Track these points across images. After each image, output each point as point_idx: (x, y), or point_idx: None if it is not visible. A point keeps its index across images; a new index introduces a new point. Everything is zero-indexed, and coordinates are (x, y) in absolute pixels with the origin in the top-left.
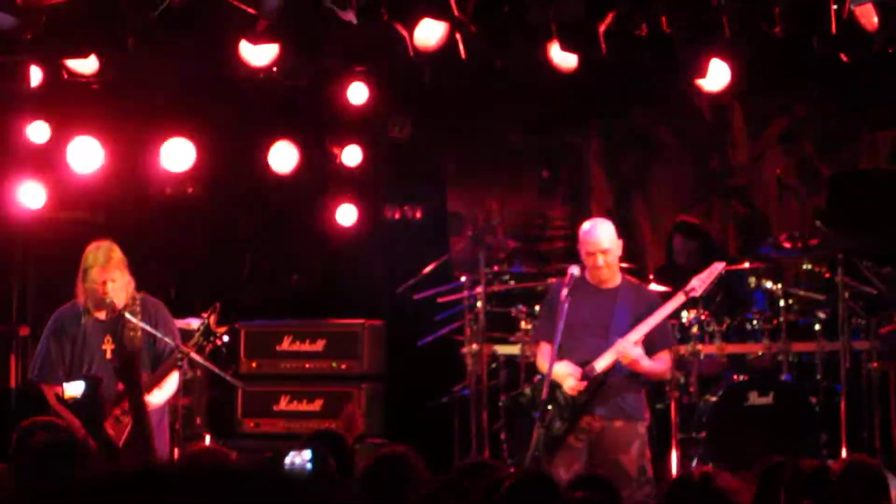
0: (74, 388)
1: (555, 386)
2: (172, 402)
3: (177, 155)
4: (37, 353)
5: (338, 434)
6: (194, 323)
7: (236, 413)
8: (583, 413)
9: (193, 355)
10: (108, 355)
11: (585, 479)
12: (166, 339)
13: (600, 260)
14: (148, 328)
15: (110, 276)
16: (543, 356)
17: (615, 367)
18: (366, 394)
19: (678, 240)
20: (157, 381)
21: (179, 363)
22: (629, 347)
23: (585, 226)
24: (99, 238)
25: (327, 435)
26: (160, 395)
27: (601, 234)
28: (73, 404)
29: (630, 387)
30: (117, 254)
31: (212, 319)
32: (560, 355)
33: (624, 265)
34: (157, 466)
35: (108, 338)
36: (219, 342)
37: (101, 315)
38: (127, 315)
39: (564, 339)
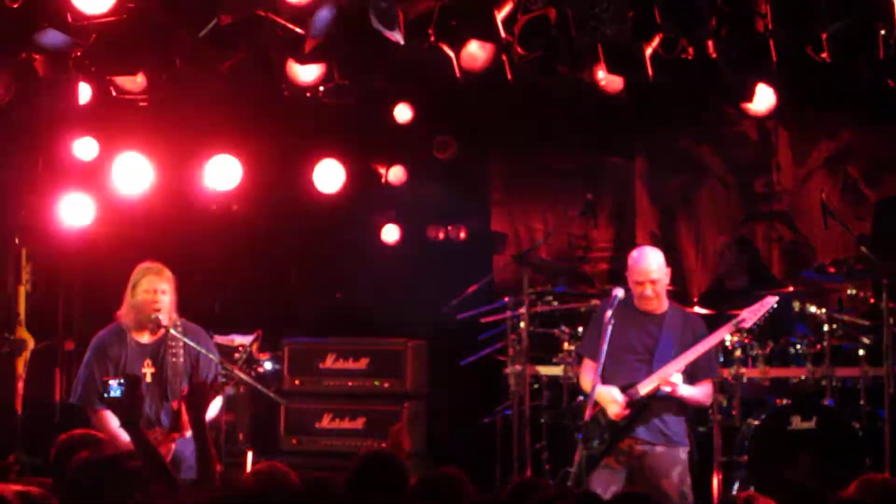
0: (115, 388)
1: (597, 407)
2: (215, 420)
3: (223, 172)
4: (78, 377)
5: (387, 453)
6: (237, 339)
7: (279, 430)
8: (624, 435)
9: (237, 371)
10: (149, 378)
11: (630, 499)
12: (211, 357)
13: (648, 290)
14: (192, 344)
15: (161, 287)
16: (587, 373)
17: (658, 392)
18: (408, 412)
19: (728, 253)
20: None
21: (223, 384)
22: (672, 374)
23: (634, 254)
24: (147, 257)
25: (378, 455)
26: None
27: (650, 262)
28: (113, 403)
29: (672, 411)
30: (168, 272)
31: (254, 347)
32: (603, 377)
33: (668, 288)
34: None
35: (149, 361)
36: (260, 369)
37: (144, 338)
38: (172, 331)
39: (608, 362)
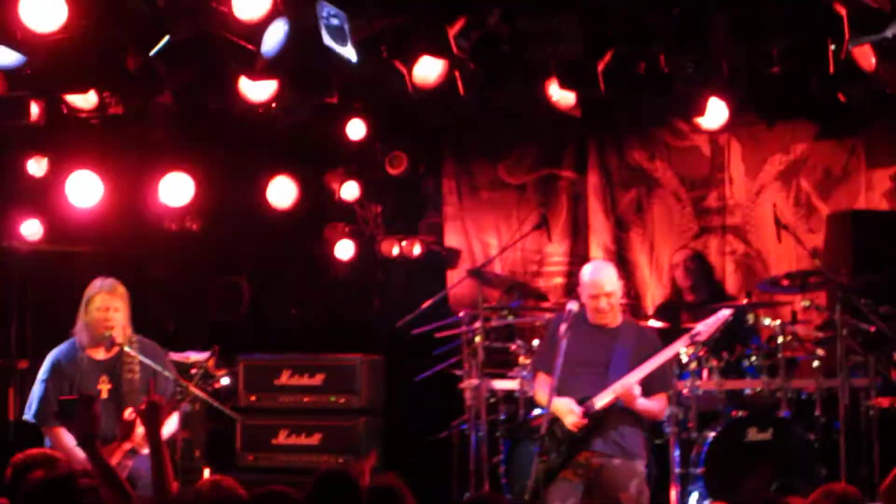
0: (71, 407)
1: (553, 420)
2: (171, 437)
3: (176, 189)
4: (33, 394)
5: (344, 473)
6: (193, 356)
7: (235, 446)
8: (581, 448)
9: (193, 389)
10: (105, 395)
11: None
12: (166, 374)
13: (603, 303)
14: (148, 362)
15: (114, 305)
16: (542, 387)
17: (615, 405)
18: (364, 428)
19: (681, 271)
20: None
21: (179, 401)
22: (631, 386)
23: (587, 269)
24: (100, 275)
25: (334, 474)
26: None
27: (604, 276)
28: (69, 422)
29: (629, 424)
30: (121, 288)
31: (210, 363)
32: (559, 391)
33: (622, 301)
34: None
35: (105, 378)
36: (217, 385)
37: (99, 354)
38: (126, 349)
39: (564, 375)
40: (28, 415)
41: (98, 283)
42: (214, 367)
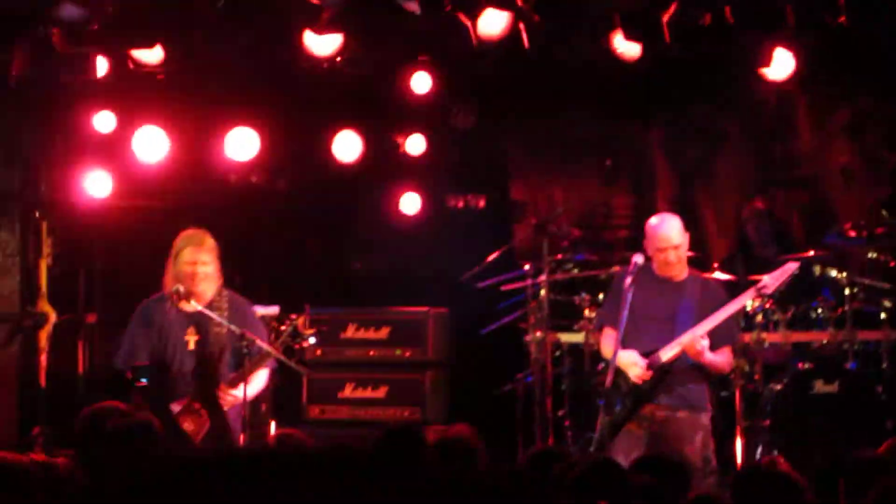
0: (143, 374)
1: (618, 373)
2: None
3: (241, 144)
4: (122, 340)
5: (411, 425)
6: (260, 310)
7: (302, 400)
8: (646, 401)
9: (260, 343)
10: (191, 346)
11: (652, 463)
12: (254, 339)
13: (672, 256)
14: (233, 328)
15: (201, 258)
16: (608, 341)
17: (680, 358)
18: (430, 381)
19: (751, 226)
20: (243, 377)
21: (264, 356)
22: (697, 339)
23: (653, 221)
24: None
25: (401, 427)
26: (249, 390)
27: (671, 230)
28: (142, 389)
29: (694, 377)
30: (210, 240)
31: (300, 321)
32: (624, 344)
33: (688, 254)
34: (236, 450)
35: (192, 329)
36: (305, 344)
37: (188, 306)
38: (208, 313)
39: (629, 329)
40: (118, 361)
41: (187, 235)
42: (304, 326)
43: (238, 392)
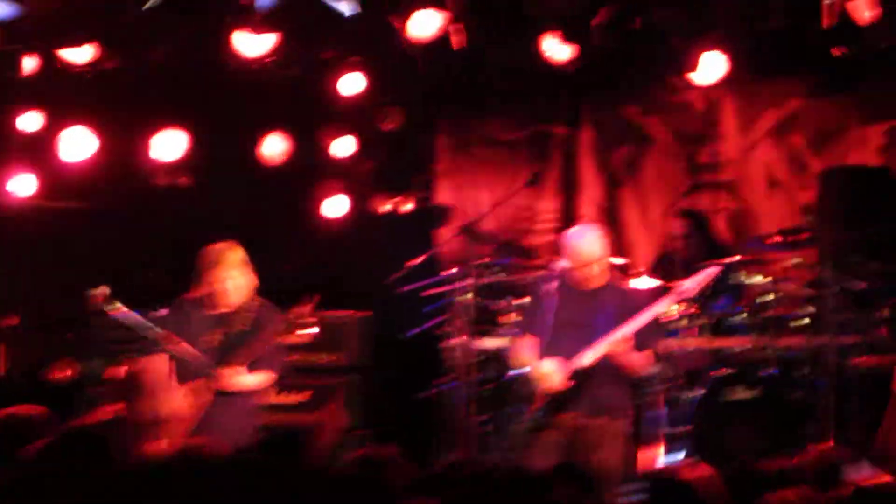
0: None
1: (538, 379)
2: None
3: (168, 144)
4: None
5: (300, 431)
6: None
7: None
8: (565, 408)
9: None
10: (216, 343)
11: (566, 472)
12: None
13: (594, 269)
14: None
15: (226, 275)
16: (525, 350)
17: (599, 364)
18: (351, 386)
19: (679, 225)
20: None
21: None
22: (622, 340)
23: (572, 237)
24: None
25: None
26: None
27: (592, 244)
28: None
29: (613, 384)
30: (234, 255)
31: (304, 311)
32: (545, 351)
33: (614, 259)
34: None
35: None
36: (307, 335)
37: (217, 309)
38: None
39: (549, 336)
40: None
41: (212, 253)
42: (308, 317)
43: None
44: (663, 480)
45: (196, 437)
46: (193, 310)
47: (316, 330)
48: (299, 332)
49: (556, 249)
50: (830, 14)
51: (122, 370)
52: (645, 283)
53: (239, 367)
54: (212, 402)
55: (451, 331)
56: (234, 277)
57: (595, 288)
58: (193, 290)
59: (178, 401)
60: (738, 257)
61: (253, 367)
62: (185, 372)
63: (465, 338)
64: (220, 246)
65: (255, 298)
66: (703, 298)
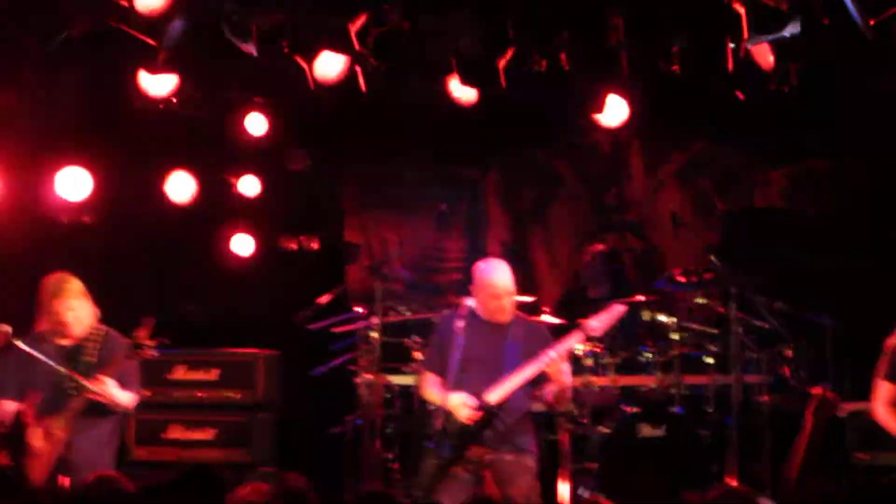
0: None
1: (447, 415)
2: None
3: (73, 183)
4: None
5: (212, 471)
6: None
7: (127, 441)
8: (472, 443)
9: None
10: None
11: None
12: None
13: (505, 302)
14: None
15: (67, 306)
16: (430, 386)
17: (507, 401)
18: (259, 423)
19: (596, 261)
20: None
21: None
22: (556, 360)
23: (485, 269)
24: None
25: (203, 471)
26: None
27: (503, 277)
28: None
29: (521, 420)
30: (72, 286)
31: (143, 333)
32: (452, 387)
33: (523, 298)
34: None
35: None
36: (147, 355)
37: (62, 341)
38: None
39: (456, 373)
40: None
41: (50, 287)
42: (148, 338)
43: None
44: None
45: (59, 474)
46: (42, 342)
47: (156, 353)
48: (143, 354)
49: (463, 288)
50: (734, 58)
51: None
52: (551, 321)
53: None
54: (67, 437)
55: (359, 368)
56: (74, 308)
57: (503, 322)
58: (37, 323)
59: (38, 438)
60: (644, 297)
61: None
62: (43, 408)
63: (372, 375)
64: (56, 277)
65: (100, 328)
66: (610, 337)
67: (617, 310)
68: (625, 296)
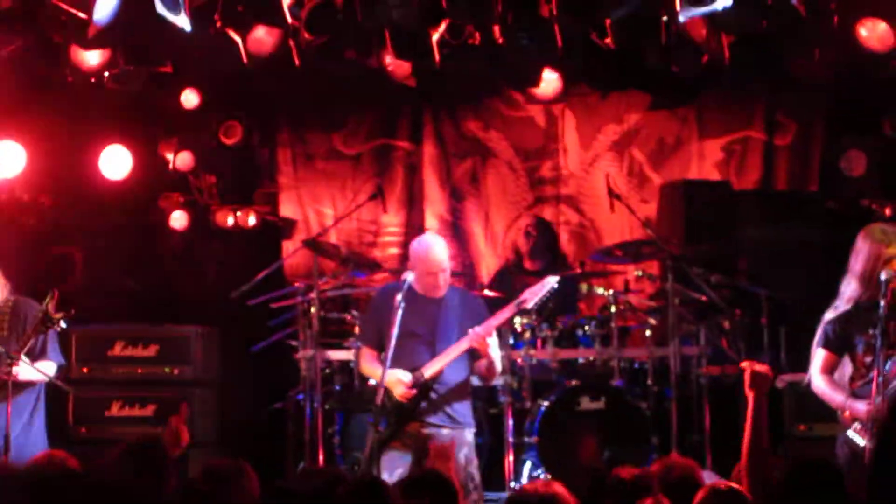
0: None
1: (386, 391)
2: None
3: (8, 159)
4: None
5: (153, 444)
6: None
7: (67, 419)
8: (410, 419)
9: (23, 363)
10: None
11: (419, 483)
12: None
13: (441, 279)
14: None
15: None
16: (368, 361)
17: (444, 374)
18: (198, 399)
19: (523, 237)
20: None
21: (9, 368)
22: (480, 335)
23: (423, 245)
24: None
25: (143, 445)
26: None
27: (441, 253)
28: None
29: (458, 394)
30: None
31: (50, 306)
32: (392, 362)
33: (457, 271)
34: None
35: None
36: (57, 327)
37: None
38: None
39: (396, 347)
40: None
41: None
42: (55, 311)
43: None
44: (521, 496)
45: None
46: None
47: (64, 325)
48: (51, 326)
49: (401, 261)
50: (668, 31)
51: None
52: (489, 294)
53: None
54: None
55: (298, 343)
56: None
57: (437, 296)
58: None
59: None
60: (581, 270)
61: (32, 359)
62: None
63: (311, 350)
64: None
65: (9, 298)
66: (548, 310)
67: (549, 282)
68: (562, 269)
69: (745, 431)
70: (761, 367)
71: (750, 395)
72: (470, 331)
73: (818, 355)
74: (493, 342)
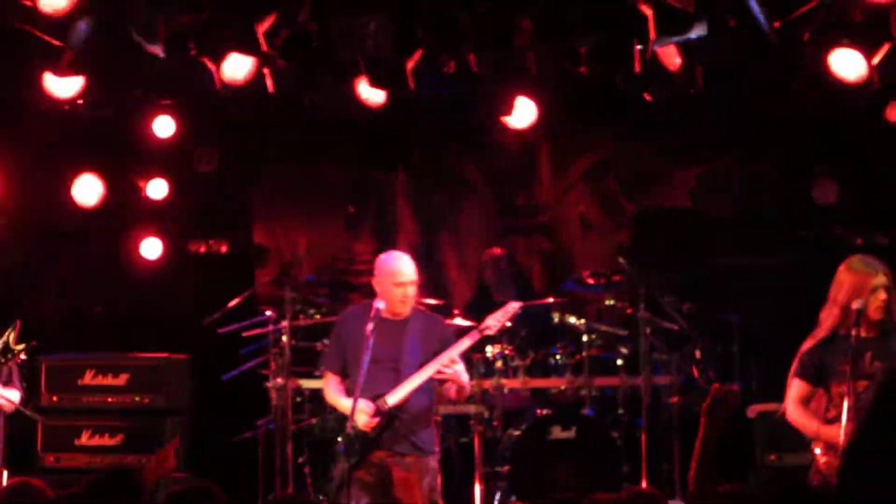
0: None
1: (349, 419)
2: None
3: None
4: None
5: (128, 471)
6: None
7: (36, 447)
8: (374, 447)
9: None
10: None
11: None
12: None
13: (410, 291)
14: None
15: None
16: (331, 388)
17: (408, 401)
18: (169, 428)
19: (502, 264)
20: None
21: None
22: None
23: (388, 259)
24: None
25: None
26: None
27: (408, 265)
28: None
29: (421, 421)
30: None
31: (11, 337)
32: (362, 390)
33: (431, 301)
34: None
35: None
36: (18, 359)
37: None
38: None
39: (354, 374)
40: None
41: None
42: (15, 342)
43: None
44: None
45: None
46: None
47: (24, 357)
48: (13, 355)
49: (372, 291)
50: (641, 60)
51: None
52: (462, 323)
53: None
54: None
55: (269, 372)
56: None
57: (404, 317)
58: None
59: None
60: (553, 299)
61: None
62: None
63: (283, 379)
64: None
65: None
66: (520, 339)
67: (512, 307)
68: (532, 298)
69: (695, 454)
70: (724, 392)
71: (703, 419)
72: (438, 360)
73: (794, 386)
74: (459, 368)
